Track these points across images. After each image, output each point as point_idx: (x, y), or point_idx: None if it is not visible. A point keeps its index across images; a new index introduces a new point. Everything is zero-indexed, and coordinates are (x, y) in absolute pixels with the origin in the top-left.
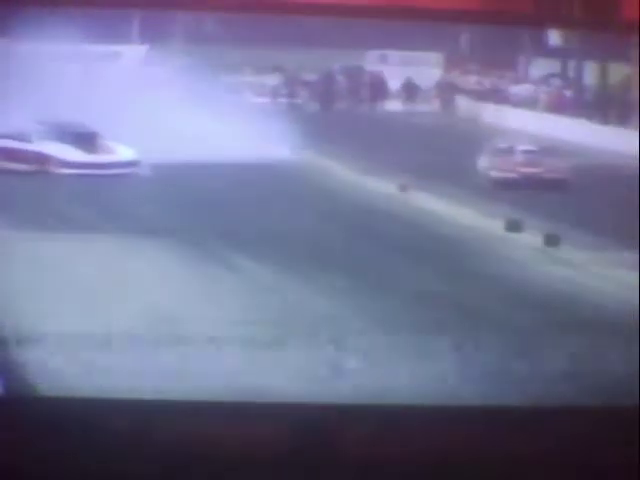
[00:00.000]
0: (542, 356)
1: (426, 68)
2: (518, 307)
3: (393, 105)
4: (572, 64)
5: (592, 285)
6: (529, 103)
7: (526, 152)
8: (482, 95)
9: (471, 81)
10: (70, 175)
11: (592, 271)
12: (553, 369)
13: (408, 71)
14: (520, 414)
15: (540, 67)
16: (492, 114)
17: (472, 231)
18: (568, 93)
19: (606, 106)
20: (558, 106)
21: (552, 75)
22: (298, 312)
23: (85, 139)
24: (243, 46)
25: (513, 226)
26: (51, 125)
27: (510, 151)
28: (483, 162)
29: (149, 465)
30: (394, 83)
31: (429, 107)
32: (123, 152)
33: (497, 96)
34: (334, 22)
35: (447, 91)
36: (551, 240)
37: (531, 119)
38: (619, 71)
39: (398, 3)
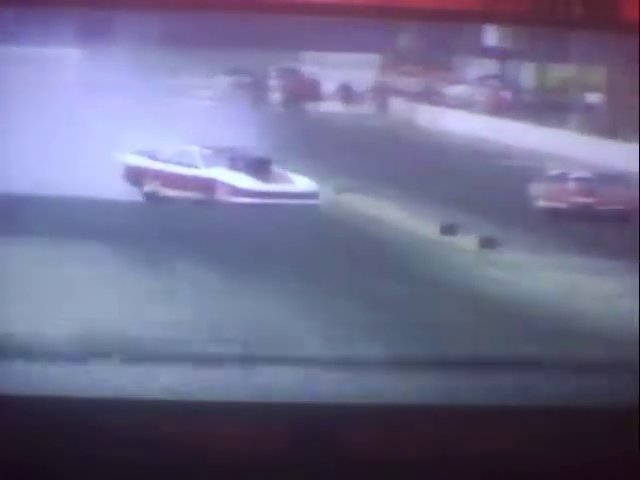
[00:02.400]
0: (483, 355)
1: (362, 70)
2: (454, 309)
3: (329, 107)
4: (509, 65)
5: (527, 286)
6: (466, 104)
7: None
8: (418, 96)
9: (407, 82)
10: (241, 204)
11: (528, 273)
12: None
13: (344, 73)
14: (520, 414)
15: (477, 68)
16: (428, 115)
17: (408, 234)
18: (505, 94)
19: (544, 108)
20: (495, 107)
21: (489, 76)
22: (239, 316)
23: (258, 166)
24: (182, 49)
25: (448, 229)
26: (218, 150)
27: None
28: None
29: (149, 465)
30: (330, 85)
31: (365, 109)
32: (301, 182)
33: (433, 97)
34: (272, 24)
35: (383, 93)
36: (486, 242)
37: (467, 120)
38: (557, 72)
39: (396, 3)
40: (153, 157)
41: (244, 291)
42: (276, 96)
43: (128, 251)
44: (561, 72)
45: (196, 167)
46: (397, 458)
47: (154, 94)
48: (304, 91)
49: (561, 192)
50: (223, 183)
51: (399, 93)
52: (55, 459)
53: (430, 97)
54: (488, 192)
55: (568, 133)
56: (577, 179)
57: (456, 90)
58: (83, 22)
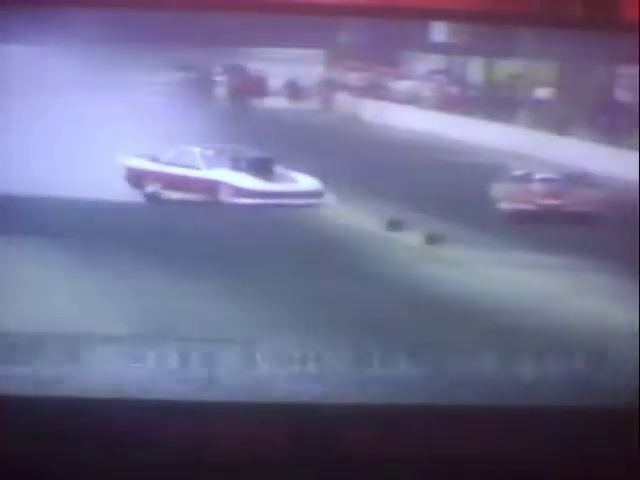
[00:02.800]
0: (429, 354)
1: (308, 65)
2: (400, 306)
3: (275, 102)
4: (457, 60)
5: (474, 284)
6: (413, 100)
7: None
8: (364, 92)
9: (354, 78)
10: (245, 205)
11: (475, 270)
12: (440, 368)
13: (291, 69)
14: (520, 414)
15: (424, 63)
16: (374, 111)
17: (353, 231)
18: (452, 89)
19: (491, 103)
20: (442, 103)
21: (436, 71)
22: (182, 313)
23: (260, 166)
24: (128, 45)
25: (394, 226)
26: (220, 150)
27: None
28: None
29: (148, 465)
30: (276, 81)
31: (311, 104)
32: (304, 181)
33: (380, 93)
34: (218, 20)
35: (329, 88)
36: (431, 239)
37: (414, 116)
38: (506, 68)
39: (393, 3)
40: (155, 159)
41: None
42: (222, 92)
43: (124, 252)
44: (510, 68)
45: (197, 168)
46: (397, 458)
47: (103, 90)
48: (250, 87)
49: (526, 193)
50: (225, 184)
51: (345, 88)
52: (54, 459)
53: (376, 92)
54: (434, 188)
55: (517, 129)
56: (543, 180)
57: (403, 85)
58: (28, 19)
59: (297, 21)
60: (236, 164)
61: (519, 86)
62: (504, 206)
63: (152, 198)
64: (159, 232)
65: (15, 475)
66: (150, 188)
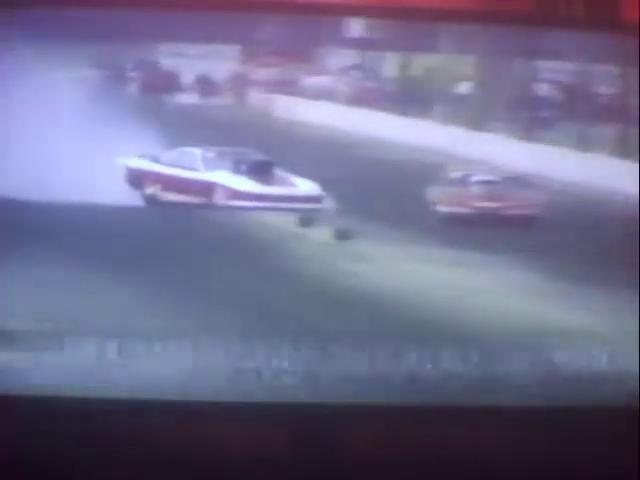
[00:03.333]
0: (344, 354)
1: (221, 61)
2: (310, 302)
3: (187, 98)
4: (372, 55)
5: (386, 279)
6: (328, 95)
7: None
8: (278, 88)
9: (267, 74)
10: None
11: (386, 265)
12: (348, 366)
13: (203, 65)
14: (520, 414)
15: (339, 58)
16: (288, 107)
17: (263, 226)
18: (368, 85)
19: (407, 98)
20: (357, 98)
21: (352, 66)
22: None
23: (260, 169)
24: (43, 43)
25: (304, 221)
26: (221, 152)
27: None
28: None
29: (149, 465)
30: (189, 76)
31: (224, 100)
32: (303, 185)
33: (294, 88)
34: (130, 16)
35: (242, 84)
36: (341, 234)
37: (328, 111)
38: (421, 62)
39: (391, 3)
40: (155, 160)
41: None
42: (134, 89)
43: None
44: (427, 62)
45: (197, 170)
46: (397, 458)
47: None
48: (162, 83)
49: (464, 196)
50: (223, 186)
51: (259, 84)
52: (53, 459)
53: (290, 88)
54: (348, 184)
55: (434, 124)
56: (481, 182)
57: (317, 81)
58: None
59: (210, 17)
60: (236, 166)
61: (437, 81)
62: (441, 209)
63: (151, 200)
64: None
65: (14, 475)
66: (150, 190)
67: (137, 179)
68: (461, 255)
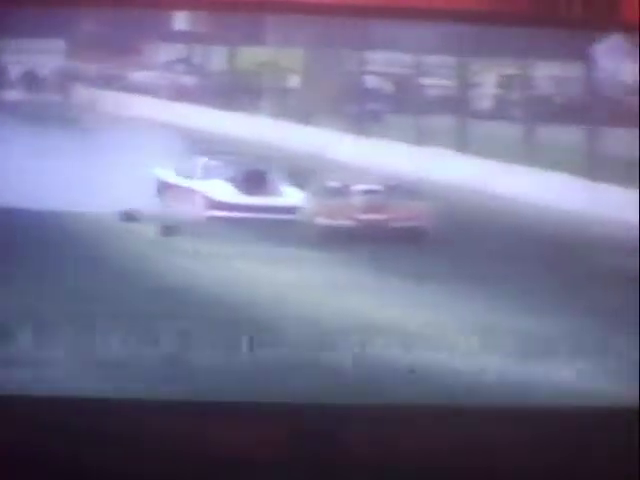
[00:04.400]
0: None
1: (46, 56)
2: (137, 297)
3: (12, 95)
4: (199, 49)
5: (210, 274)
6: (153, 90)
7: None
8: (103, 82)
9: (92, 68)
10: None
11: (210, 261)
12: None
13: (29, 59)
14: (520, 414)
15: (165, 53)
16: (113, 102)
17: (86, 221)
18: (192, 79)
19: (234, 92)
20: (183, 93)
21: (177, 61)
22: None
23: (250, 178)
24: None
25: (128, 216)
26: (224, 161)
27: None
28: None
29: (149, 465)
30: (15, 71)
31: (49, 96)
32: (291, 196)
33: (119, 83)
34: None
35: (67, 79)
36: (167, 231)
37: (154, 106)
38: (250, 56)
39: (389, 3)
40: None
41: None
42: None
43: None
44: (256, 56)
45: (193, 178)
46: (397, 458)
47: None
48: None
49: (345, 208)
50: (201, 195)
51: (84, 79)
52: (53, 459)
53: (116, 83)
54: None
55: (261, 117)
56: (363, 192)
57: (143, 76)
58: None
59: (36, 12)
60: (229, 175)
61: (265, 74)
62: (320, 222)
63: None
64: None
65: (14, 475)
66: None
67: (161, 190)
68: (278, 252)
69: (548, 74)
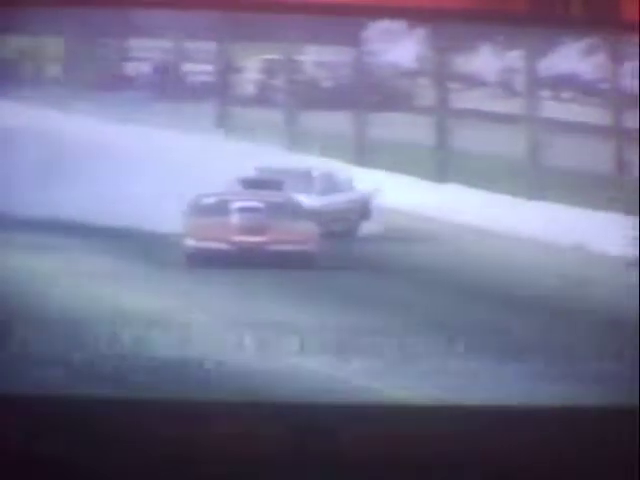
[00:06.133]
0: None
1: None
2: None
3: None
4: None
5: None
6: None
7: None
8: None
9: None
10: None
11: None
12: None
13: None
14: (520, 414)
15: None
16: None
17: None
18: None
19: None
20: None
21: None
22: None
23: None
24: None
25: None
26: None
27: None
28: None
29: (149, 465)
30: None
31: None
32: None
33: None
34: None
35: None
36: None
37: None
38: (11, 43)
39: (396, 3)
40: None
41: None
42: None
43: None
44: (18, 43)
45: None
46: (397, 458)
47: None
48: None
49: (221, 229)
50: None
51: None
52: (53, 459)
53: None
54: None
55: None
56: (240, 210)
57: None
58: None
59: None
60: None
61: (27, 62)
62: (191, 244)
63: None
64: None
65: (13, 474)
66: None
67: None
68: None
69: (315, 59)
